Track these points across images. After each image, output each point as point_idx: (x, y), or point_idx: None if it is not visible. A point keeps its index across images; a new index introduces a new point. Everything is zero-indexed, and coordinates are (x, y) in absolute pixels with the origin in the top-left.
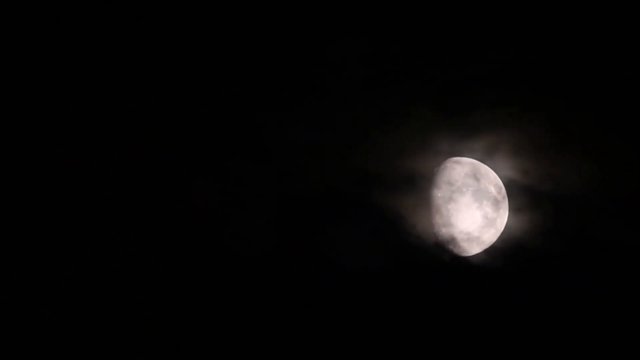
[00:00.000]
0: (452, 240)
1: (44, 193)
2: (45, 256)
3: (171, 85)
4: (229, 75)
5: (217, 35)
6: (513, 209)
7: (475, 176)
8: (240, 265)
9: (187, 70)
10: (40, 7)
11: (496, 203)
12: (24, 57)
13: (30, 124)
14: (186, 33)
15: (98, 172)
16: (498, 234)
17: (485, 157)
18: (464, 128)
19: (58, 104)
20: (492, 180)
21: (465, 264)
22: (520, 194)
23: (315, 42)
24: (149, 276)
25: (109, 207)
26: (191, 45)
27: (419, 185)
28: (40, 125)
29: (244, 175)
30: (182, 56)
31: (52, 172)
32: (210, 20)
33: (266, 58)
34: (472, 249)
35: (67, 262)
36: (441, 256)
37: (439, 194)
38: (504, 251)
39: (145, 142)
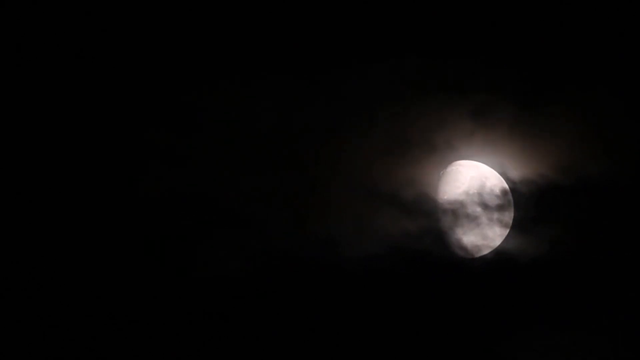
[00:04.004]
0: (458, 242)
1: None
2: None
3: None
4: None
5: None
6: (517, 212)
7: (481, 179)
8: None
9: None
10: None
11: (501, 206)
12: None
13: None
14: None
15: None
16: (502, 237)
17: (491, 160)
18: (470, 131)
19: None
20: (497, 183)
21: (468, 265)
22: (524, 197)
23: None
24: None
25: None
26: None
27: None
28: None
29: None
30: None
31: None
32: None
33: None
34: (476, 251)
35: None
36: (450, 256)
37: (445, 197)
38: (506, 252)
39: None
